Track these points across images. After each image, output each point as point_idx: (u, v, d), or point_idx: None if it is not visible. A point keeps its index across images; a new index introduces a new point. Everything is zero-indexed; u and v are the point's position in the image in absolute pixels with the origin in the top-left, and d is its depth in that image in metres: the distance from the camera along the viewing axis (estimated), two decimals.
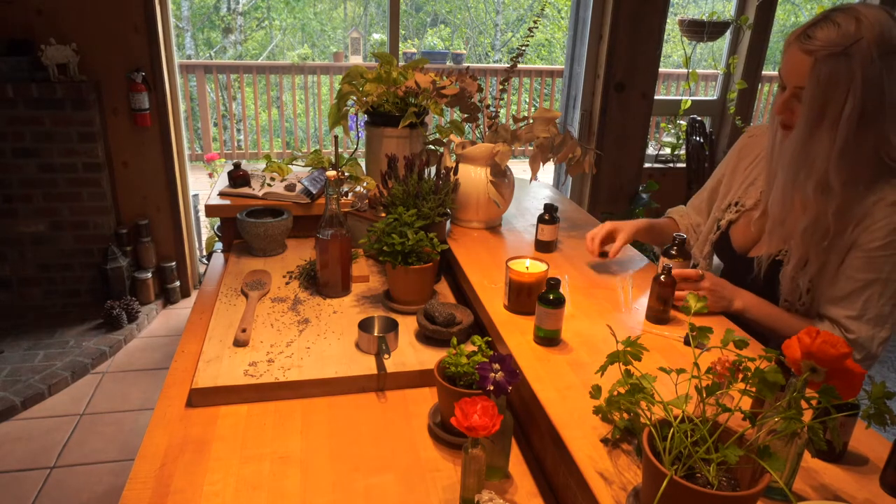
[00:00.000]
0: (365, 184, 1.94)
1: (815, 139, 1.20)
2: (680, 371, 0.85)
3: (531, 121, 1.81)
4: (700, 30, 3.88)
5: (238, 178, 2.07)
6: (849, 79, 1.14)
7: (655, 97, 3.78)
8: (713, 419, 0.77)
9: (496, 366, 0.99)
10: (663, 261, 1.42)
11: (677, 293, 1.34)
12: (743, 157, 1.53)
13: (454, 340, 1.21)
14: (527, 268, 1.38)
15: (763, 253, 1.38)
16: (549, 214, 1.68)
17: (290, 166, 2.23)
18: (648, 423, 0.80)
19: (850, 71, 1.13)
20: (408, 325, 1.49)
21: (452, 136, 1.93)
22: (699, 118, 4.08)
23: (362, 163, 2.10)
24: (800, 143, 1.22)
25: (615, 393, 0.93)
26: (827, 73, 1.15)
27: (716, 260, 1.57)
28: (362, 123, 2.01)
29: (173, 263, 3.51)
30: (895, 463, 0.87)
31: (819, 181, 1.22)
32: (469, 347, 1.20)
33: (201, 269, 3.82)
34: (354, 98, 1.95)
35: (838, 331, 1.27)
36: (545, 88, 6.96)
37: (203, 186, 5.09)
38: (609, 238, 1.59)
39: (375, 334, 1.40)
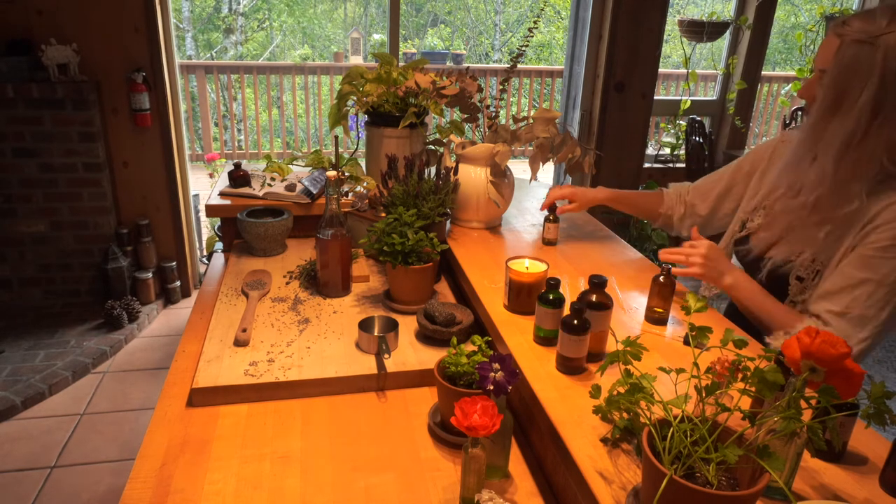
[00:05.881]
0: (365, 184, 1.94)
1: (826, 123, 1.19)
2: (680, 371, 0.85)
3: (531, 121, 1.81)
4: (700, 30, 3.89)
5: (238, 178, 2.07)
6: (870, 67, 1.12)
7: (655, 97, 3.78)
8: (713, 419, 0.77)
9: (496, 366, 0.99)
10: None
11: (672, 255, 1.40)
12: (774, 161, 1.50)
13: (454, 340, 1.21)
14: (527, 268, 1.38)
15: (776, 255, 1.36)
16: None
17: (290, 166, 2.23)
18: (648, 422, 0.80)
19: (872, 60, 1.12)
20: (408, 325, 1.49)
21: (452, 136, 1.93)
22: (699, 118, 4.08)
23: (362, 163, 2.10)
24: (811, 125, 1.22)
25: (615, 393, 0.94)
26: (850, 56, 1.14)
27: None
28: (362, 123, 2.01)
29: (174, 263, 3.51)
30: (895, 463, 0.87)
31: (820, 165, 1.21)
32: (469, 347, 1.20)
33: (202, 269, 3.82)
34: (354, 98, 1.95)
35: (819, 325, 1.23)
36: (545, 89, 6.95)
37: (203, 186, 5.10)
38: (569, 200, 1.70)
39: (375, 334, 1.40)
